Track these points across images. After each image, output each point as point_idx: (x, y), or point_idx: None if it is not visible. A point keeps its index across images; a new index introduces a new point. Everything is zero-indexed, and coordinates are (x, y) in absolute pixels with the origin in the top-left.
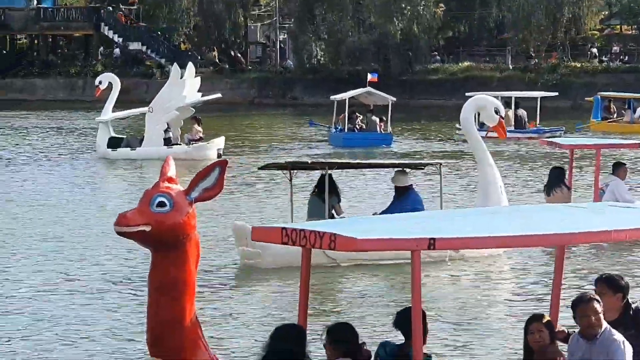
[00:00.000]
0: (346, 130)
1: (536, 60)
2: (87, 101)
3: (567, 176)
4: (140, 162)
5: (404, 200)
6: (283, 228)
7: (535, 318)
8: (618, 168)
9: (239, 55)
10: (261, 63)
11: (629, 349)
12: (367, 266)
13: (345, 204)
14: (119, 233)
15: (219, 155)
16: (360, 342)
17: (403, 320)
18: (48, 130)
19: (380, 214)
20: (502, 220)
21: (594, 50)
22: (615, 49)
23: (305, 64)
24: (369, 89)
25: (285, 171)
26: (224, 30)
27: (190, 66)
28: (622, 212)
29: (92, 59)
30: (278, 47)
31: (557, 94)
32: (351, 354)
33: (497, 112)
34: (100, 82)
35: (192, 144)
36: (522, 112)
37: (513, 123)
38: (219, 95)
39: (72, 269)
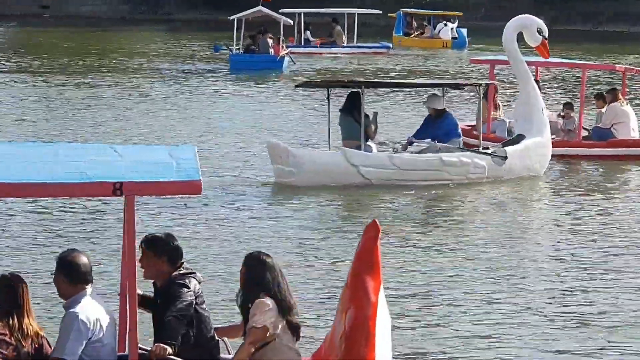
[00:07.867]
0: (242, 52)
1: None
2: None
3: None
4: None
5: (439, 123)
6: None
7: None
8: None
9: None
10: None
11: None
12: (401, 186)
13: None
14: None
15: None
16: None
17: None
18: None
19: (413, 136)
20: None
21: None
22: None
23: None
24: (260, 7)
25: (322, 89)
26: None
27: None
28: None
29: None
30: None
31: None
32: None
33: (540, 32)
34: None
35: None
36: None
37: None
38: None
39: None
